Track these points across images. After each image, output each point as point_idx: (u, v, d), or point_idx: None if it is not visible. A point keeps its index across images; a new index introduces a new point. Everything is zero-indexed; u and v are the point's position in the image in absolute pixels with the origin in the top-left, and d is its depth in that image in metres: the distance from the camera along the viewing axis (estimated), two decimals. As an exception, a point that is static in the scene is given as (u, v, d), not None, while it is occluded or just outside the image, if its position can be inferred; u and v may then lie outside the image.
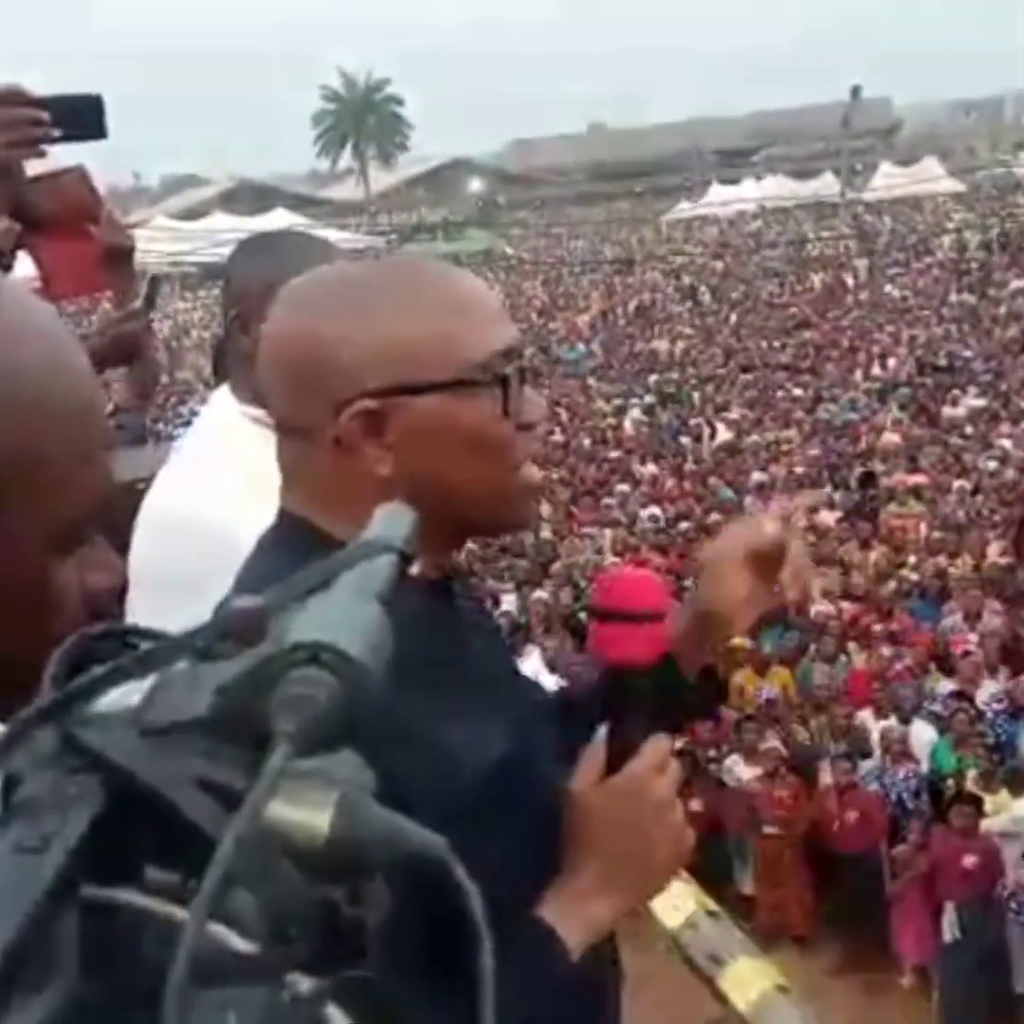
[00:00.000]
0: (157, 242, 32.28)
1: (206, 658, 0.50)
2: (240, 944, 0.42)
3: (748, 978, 1.24)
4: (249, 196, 52.40)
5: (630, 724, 1.14)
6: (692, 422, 16.04)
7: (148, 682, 0.49)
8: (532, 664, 8.55)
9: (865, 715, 8.05)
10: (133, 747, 0.46)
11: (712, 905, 1.33)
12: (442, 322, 1.07)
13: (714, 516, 12.00)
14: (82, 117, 1.97)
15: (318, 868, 0.44)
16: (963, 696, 7.85)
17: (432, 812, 0.87)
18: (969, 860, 6.78)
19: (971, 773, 7.19)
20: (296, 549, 0.99)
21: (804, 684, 8.59)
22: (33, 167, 1.99)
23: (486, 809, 0.96)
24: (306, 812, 0.44)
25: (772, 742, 7.81)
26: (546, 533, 12.13)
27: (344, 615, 0.47)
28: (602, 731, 1.16)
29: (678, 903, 1.31)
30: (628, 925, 1.16)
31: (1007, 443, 12.96)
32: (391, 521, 0.56)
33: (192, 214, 45.62)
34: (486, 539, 12.44)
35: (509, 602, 10.31)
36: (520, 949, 1.00)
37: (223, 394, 1.98)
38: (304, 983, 0.43)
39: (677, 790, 1.14)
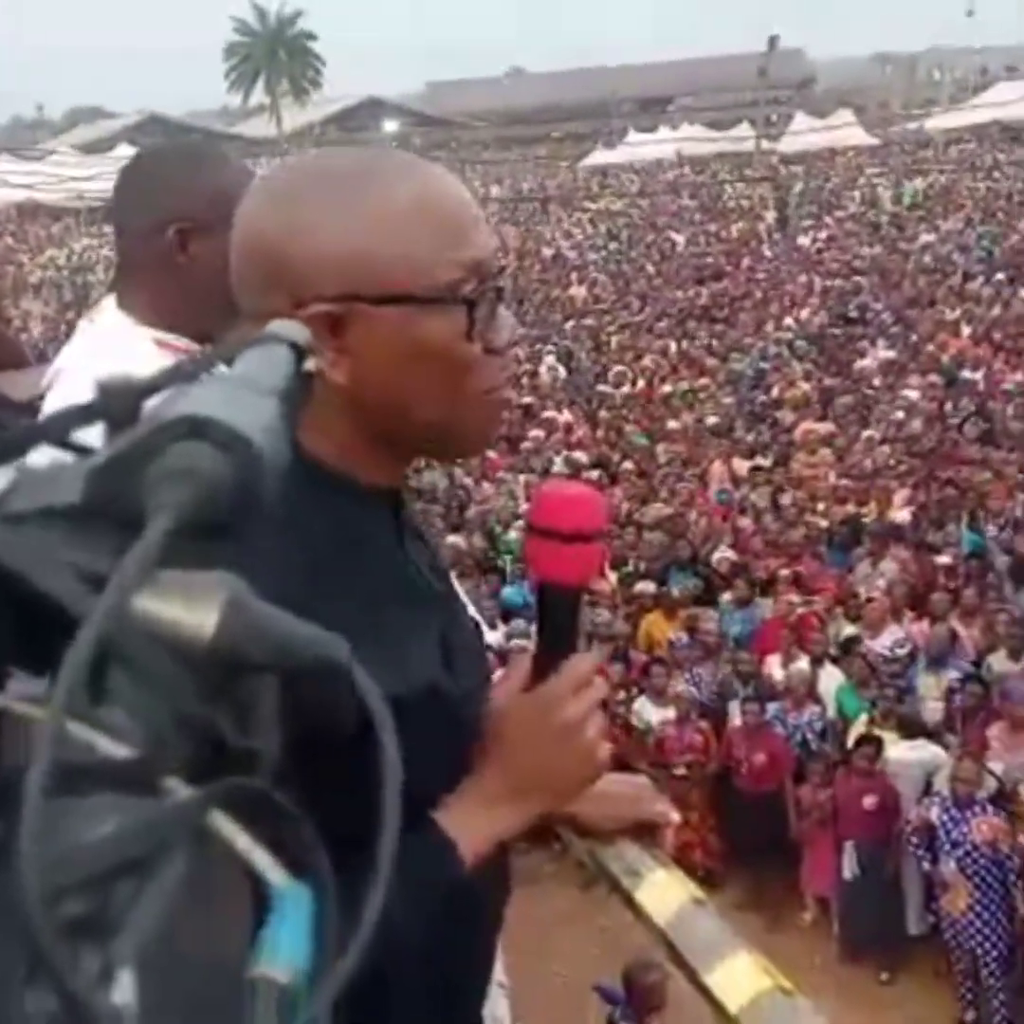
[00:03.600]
0: (61, 169, 31.14)
1: (76, 449, 0.45)
2: (113, 749, 0.38)
3: (665, 891, 1.23)
4: (158, 130, 50.97)
5: (557, 641, 1.13)
6: (613, 370, 16.07)
7: (10, 471, 0.43)
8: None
9: (772, 661, 8.20)
10: None
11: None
12: (412, 229, 1.03)
13: (627, 463, 12.12)
14: None
15: (203, 670, 0.40)
16: (861, 641, 8.03)
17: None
18: (869, 801, 6.95)
19: (863, 717, 7.39)
20: None
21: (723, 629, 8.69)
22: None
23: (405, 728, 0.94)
24: (191, 610, 0.40)
25: (681, 686, 7.92)
26: (461, 477, 12.10)
27: (234, 396, 0.42)
28: (529, 646, 1.15)
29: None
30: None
31: (914, 394, 13.18)
32: (282, 325, 0.52)
33: (98, 147, 44.33)
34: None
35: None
36: (412, 852, 1.00)
37: (112, 311, 1.84)
38: (182, 790, 0.39)
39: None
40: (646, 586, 9.29)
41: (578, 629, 1.17)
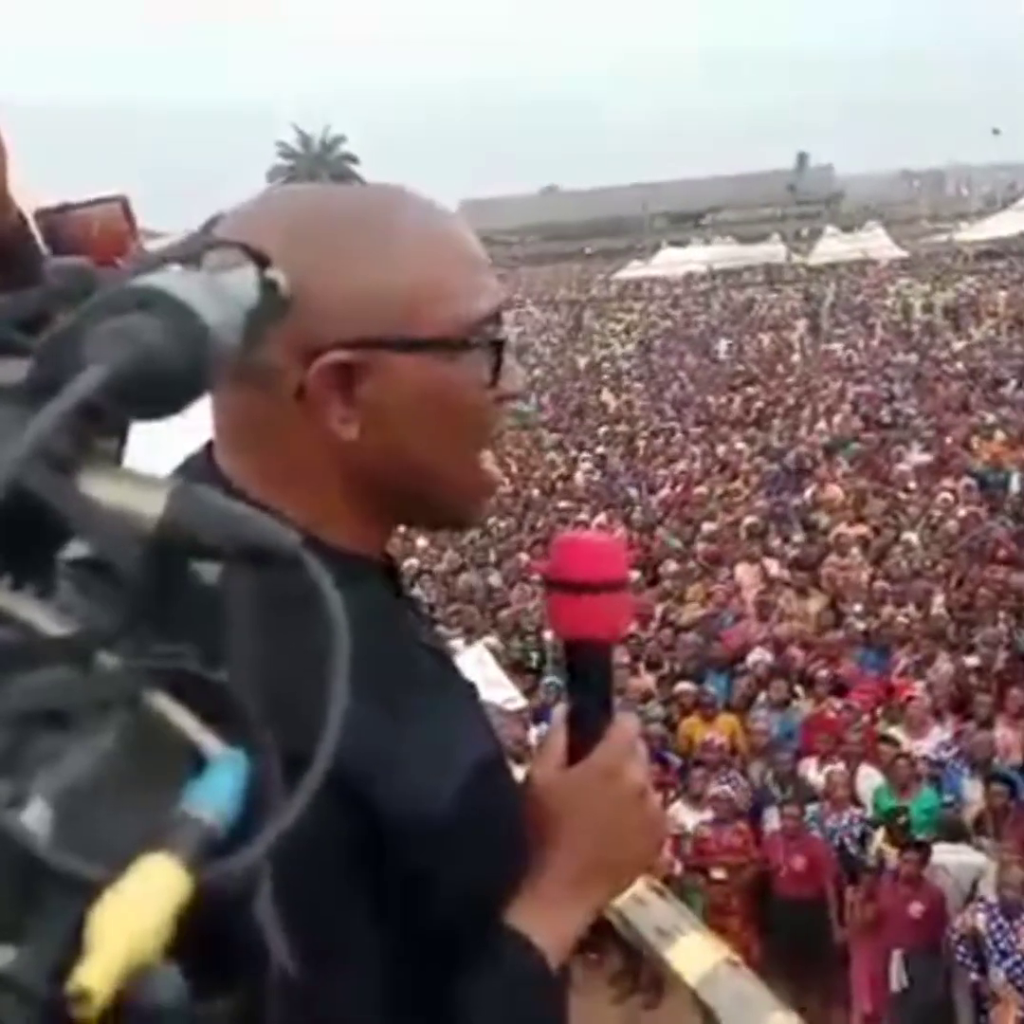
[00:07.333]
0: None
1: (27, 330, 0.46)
2: (51, 627, 0.40)
3: (697, 952, 1.20)
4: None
5: (588, 703, 1.04)
6: (653, 474, 16.16)
7: None
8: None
9: (809, 763, 8.06)
10: None
11: (657, 883, 1.30)
12: (435, 269, 0.92)
13: (669, 565, 12.05)
14: None
15: (153, 552, 0.41)
16: (898, 742, 7.87)
17: (418, 835, 0.84)
18: (916, 908, 6.74)
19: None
20: None
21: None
22: (72, 195, 1.92)
23: (467, 820, 0.89)
24: (138, 494, 0.41)
25: (720, 787, 7.78)
26: (495, 580, 12.11)
27: (194, 282, 0.42)
28: (560, 711, 1.07)
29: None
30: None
31: (950, 497, 13.12)
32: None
33: (143, 266, 45.51)
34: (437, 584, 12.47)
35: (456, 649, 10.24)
36: (500, 965, 0.93)
37: None
38: (110, 661, 0.40)
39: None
40: (687, 687, 9.20)
41: (613, 687, 1.08)
